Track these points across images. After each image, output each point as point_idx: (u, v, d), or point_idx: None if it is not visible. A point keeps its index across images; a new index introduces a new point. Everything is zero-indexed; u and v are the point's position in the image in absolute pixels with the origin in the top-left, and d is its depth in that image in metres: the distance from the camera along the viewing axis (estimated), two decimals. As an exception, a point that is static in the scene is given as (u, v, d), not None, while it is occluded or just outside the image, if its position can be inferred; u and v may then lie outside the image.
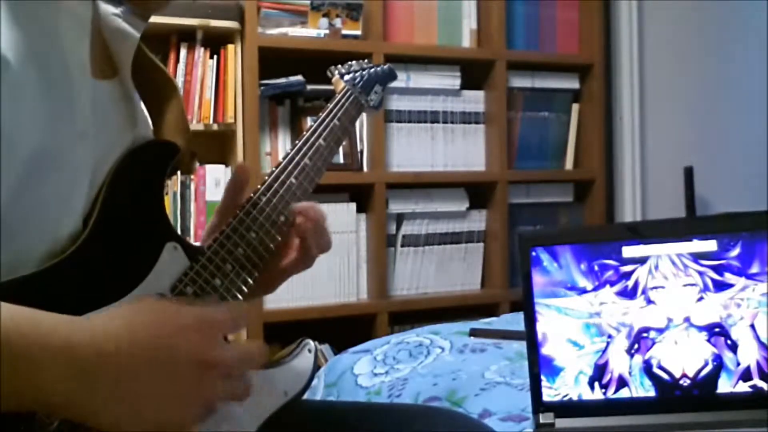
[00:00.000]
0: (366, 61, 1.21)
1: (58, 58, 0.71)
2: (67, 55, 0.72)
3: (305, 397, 0.88)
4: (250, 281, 0.83)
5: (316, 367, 0.88)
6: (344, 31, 2.47)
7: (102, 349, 0.60)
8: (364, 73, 1.15)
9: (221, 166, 2.36)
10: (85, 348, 0.59)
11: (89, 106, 0.74)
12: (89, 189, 0.74)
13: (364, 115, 2.56)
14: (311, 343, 0.89)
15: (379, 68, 1.19)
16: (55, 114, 0.69)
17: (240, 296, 0.81)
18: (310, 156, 0.96)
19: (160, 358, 0.62)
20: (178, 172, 2.30)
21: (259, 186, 0.90)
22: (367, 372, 1.52)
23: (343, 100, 1.06)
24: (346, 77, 1.12)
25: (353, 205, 2.49)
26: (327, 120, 1.02)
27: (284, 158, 0.94)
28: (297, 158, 0.95)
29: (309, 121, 2.43)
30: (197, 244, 0.84)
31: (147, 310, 0.66)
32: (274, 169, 0.93)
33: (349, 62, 1.17)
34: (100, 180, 0.76)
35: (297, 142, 0.97)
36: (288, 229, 0.90)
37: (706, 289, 0.96)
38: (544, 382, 0.97)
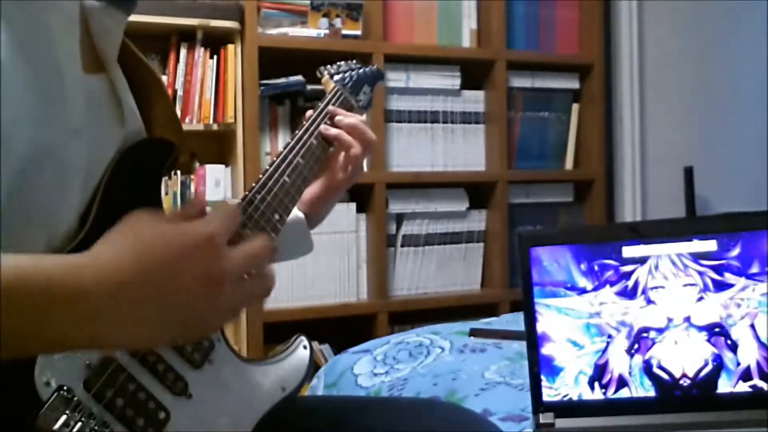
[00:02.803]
0: (354, 61, 1.22)
1: (49, 53, 0.71)
2: (58, 50, 0.72)
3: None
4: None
5: (313, 362, 0.89)
6: (344, 31, 2.47)
7: (111, 288, 0.60)
8: (353, 73, 1.16)
9: (221, 166, 2.37)
10: (96, 291, 0.59)
11: (82, 101, 0.74)
12: (84, 184, 0.74)
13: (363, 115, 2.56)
14: (306, 340, 0.90)
15: (367, 68, 1.20)
16: (48, 109, 0.69)
17: None
18: (303, 154, 0.98)
19: (169, 284, 0.62)
20: (179, 172, 2.30)
21: (253, 184, 0.90)
22: (367, 372, 1.52)
23: (333, 100, 1.09)
24: (336, 77, 1.13)
25: (353, 205, 2.49)
26: (318, 120, 1.04)
27: (278, 157, 0.96)
28: (290, 157, 0.96)
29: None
30: None
31: (147, 236, 0.64)
32: (268, 167, 0.93)
33: (338, 62, 1.19)
34: (95, 175, 0.76)
35: (290, 141, 0.99)
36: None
37: (706, 289, 0.96)
38: (544, 382, 0.97)
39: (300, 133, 1.00)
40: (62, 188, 0.72)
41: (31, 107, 0.67)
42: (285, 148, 0.97)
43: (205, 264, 0.64)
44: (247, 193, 0.89)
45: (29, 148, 0.67)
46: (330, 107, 1.07)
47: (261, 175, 0.92)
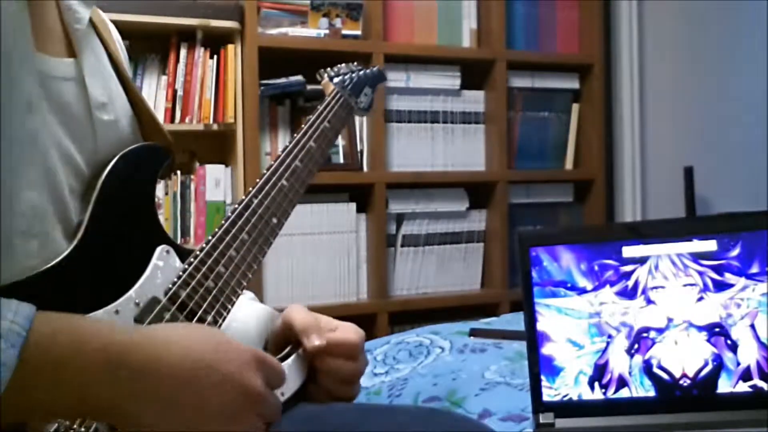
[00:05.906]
0: (355, 63, 1.22)
1: None
2: (6, 28, 0.70)
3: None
4: (244, 283, 0.83)
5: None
6: (344, 31, 2.47)
7: (162, 369, 0.63)
8: (353, 75, 1.16)
9: (221, 166, 2.37)
10: (145, 369, 0.63)
11: (33, 79, 0.73)
12: (44, 160, 0.73)
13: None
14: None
15: (368, 70, 1.20)
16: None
17: (234, 298, 0.81)
18: (301, 158, 0.97)
19: (213, 377, 0.65)
20: (179, 172, 2.30)
21: (250, 188, 0.90)
22: (367, 372, 1.52)
23: (332, 103, 1.08)
24: (336, 80, 1.13)
25: (353, 205, 2.49)
26: (317, 122, 1.03)
27: (275, 160, 0.95)
28: (288, 160, 0.96)
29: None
30: (189, 246, 0.84)
31: (207, 335, 0.68)
32: (265, 171, 0.93)
33: (339, 65, 1.19)
34: (61, 149, 0.75)
35: (288, 144, 0.98)
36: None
37: (706, 289, 0.96)
38: (544, 382, 0.97)
39: (299, 136, 1.00)
40: (21, 164, 0.70)
41: None
42: (283, 152, 0.97)
43: (251, 379, 0.68)
44: (244, 197, 0.89)
45: None
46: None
47: (258, 179, 0.92)
